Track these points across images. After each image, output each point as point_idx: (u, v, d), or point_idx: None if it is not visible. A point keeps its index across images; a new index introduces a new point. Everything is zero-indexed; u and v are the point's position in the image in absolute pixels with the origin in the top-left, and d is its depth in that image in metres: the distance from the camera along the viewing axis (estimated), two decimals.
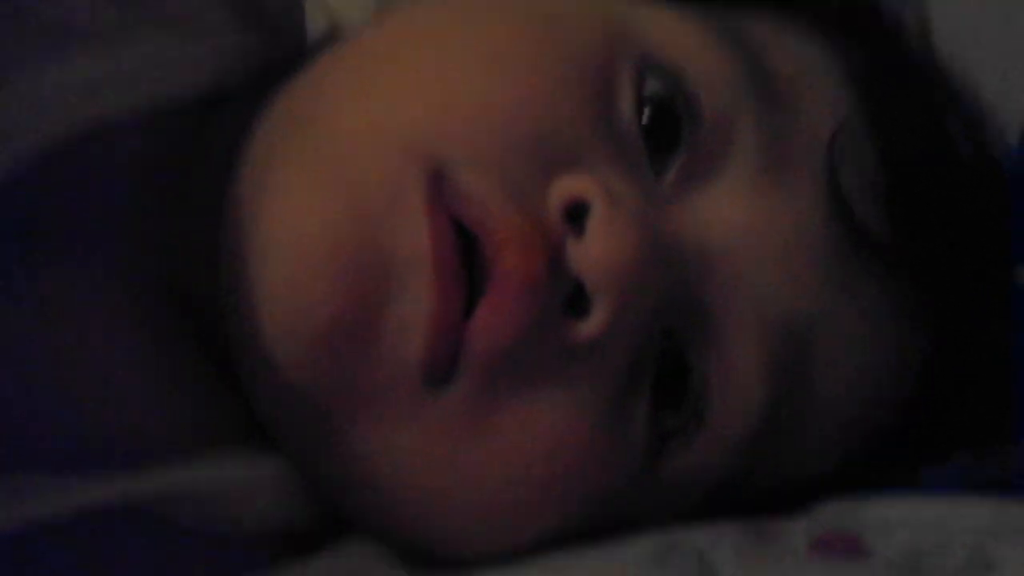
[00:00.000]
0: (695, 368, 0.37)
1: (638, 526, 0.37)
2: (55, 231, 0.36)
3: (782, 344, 0.37)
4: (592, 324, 0.34)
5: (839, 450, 0.42)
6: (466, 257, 0.34)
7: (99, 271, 0.37)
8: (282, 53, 0.41)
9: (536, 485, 0.36)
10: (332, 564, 0.38)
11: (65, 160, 0.34)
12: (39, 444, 0.35)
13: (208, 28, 0.38)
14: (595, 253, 0.34)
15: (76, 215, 0.37)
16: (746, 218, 0.37)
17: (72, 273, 0.37)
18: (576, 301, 0.34)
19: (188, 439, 0.38)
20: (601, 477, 0.37)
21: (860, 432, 0.42)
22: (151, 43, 0.36)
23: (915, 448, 0.43)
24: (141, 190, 0.38)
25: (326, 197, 0.34)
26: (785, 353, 0.37)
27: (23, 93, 0.33)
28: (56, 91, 0.34)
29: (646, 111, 0.37)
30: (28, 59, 0.34)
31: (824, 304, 0.38)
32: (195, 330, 0.39)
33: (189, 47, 0.37)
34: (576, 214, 0.35)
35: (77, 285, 0.37)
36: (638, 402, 0.36)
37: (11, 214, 0.34)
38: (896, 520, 0.37)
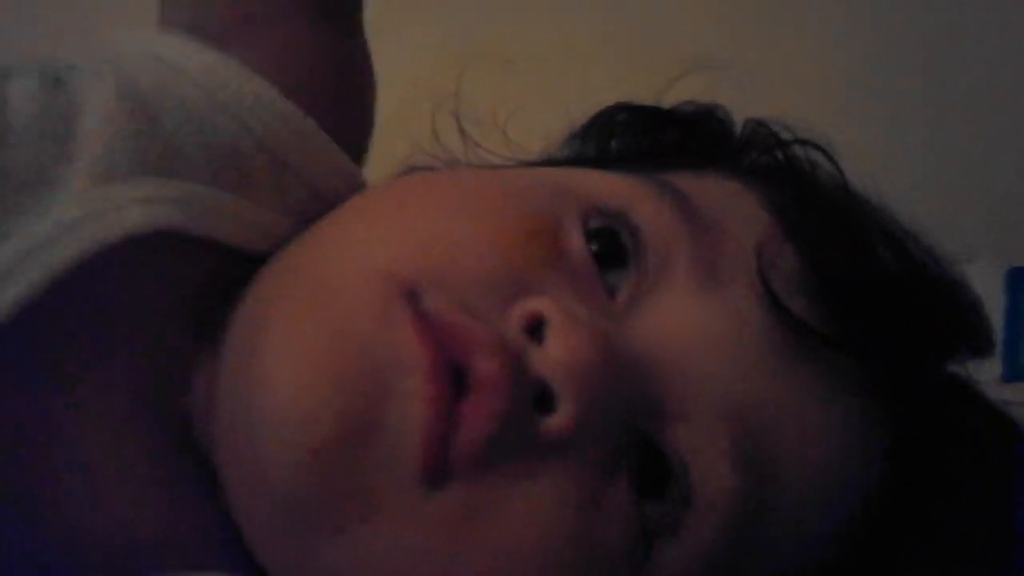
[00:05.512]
0: (672, 457, 0.39)
1: None
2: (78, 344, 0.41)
3: (743, 432, 0.40)
4: (559, 418, 0.37)
5: (822, 542, 0.43)
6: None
7: (112, 385, 0.41)
8: None
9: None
10: None
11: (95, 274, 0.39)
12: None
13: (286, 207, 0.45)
14: (557, 355, 0.37)
15: (98, 329, 0.41)
16: (690, 322, 0.40)
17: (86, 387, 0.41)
18: (544, 402, 0.38)
19: (173, 554, 0.40)
20: (592, 570, 0.39)
21: (838, 523, 0.43)
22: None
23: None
24: (165, 309, 0.43)
25: (320, 325, 0.38)
26: (747, 441, 0.40)
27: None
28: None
29: (593, 243, 0.42)
30: None
31: (777, 394, 0.41)
32: (189, 449, 0.42)
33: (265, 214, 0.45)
34: (533, 330, 0.38)
35: (88, 400, 0.41)
36: (619, 495, 0.39)
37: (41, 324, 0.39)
38: None
